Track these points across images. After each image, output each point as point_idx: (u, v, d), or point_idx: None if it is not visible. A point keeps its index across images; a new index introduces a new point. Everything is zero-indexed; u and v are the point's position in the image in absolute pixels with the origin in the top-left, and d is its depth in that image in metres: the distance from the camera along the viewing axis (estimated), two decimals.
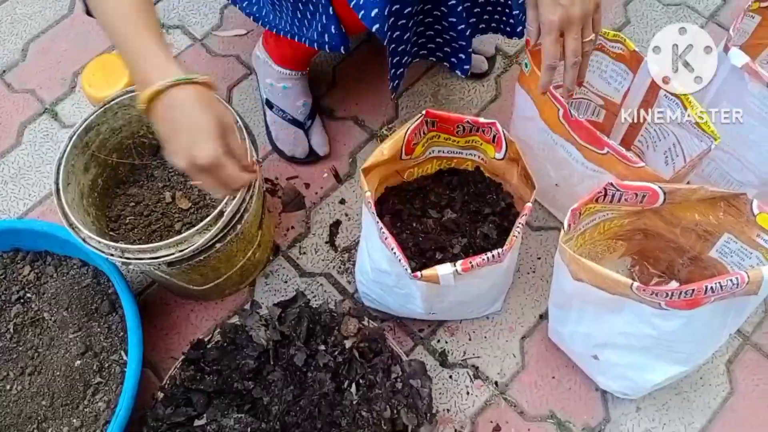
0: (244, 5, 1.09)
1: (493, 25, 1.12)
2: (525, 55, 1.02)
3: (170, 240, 0.93)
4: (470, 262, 0.88)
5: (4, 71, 1.43)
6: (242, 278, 1.18)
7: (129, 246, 0.94)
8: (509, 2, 1.04)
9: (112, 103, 1.04)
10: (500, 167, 1.08)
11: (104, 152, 1.09)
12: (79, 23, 1.48)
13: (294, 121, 1.27)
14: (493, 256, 0.89)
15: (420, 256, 1.07)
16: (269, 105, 1.29)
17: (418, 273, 0.90)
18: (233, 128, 0.81)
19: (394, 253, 0.91)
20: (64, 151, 1.00)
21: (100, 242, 0.95)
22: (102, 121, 1.05)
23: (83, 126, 1.03)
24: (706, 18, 1.46)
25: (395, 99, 1.13)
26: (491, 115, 1.33)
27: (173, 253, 0.93)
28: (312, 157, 1.30)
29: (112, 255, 0.95)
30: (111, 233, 1.09)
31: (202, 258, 0.97)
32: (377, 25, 0.89)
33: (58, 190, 0.97)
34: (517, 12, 1.05)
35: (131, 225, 1.11)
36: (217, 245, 0.97)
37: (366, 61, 1.41)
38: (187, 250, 0.93)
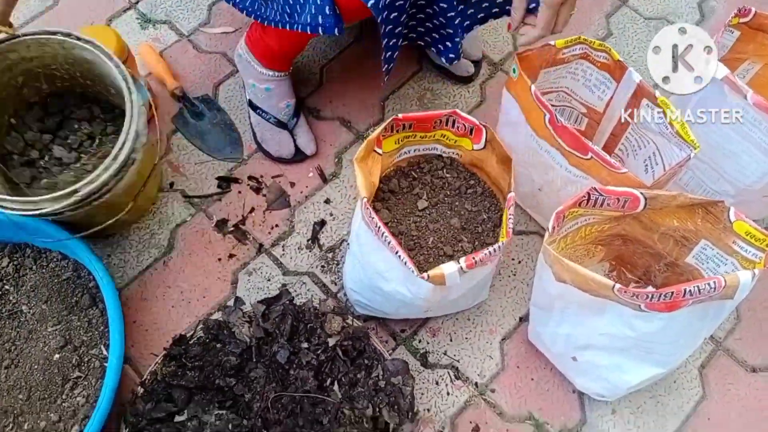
0: None
1: (495, 10, 1.16)
2: (513, 61, 1.04)
3: (20, 198, 0.99)
4: (473, 258, 0.88)
5: None
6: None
7: None
8: None
9: (27, 37, 1.07)
10: (477, 158, 1.09)
11: (8, 75, 1.12)
12: None
13: (279, 123, 1.27)
14: (494, 249, 0.90)
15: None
16: (253, 107, 1.29)
17: (425, 274, 0.88)
18: None
19: (399, 256, 0.89)
20: None
21: None
22: (12, 48, 1.07)
23: None
24: None
25: (386, 83, 1.15)
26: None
27: (16, 209, 0.99)
28: (299, 157, 1.30)
29: None
30: None
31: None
32: (372, 1, 0.92)
33: None
34: None
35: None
36: (67, 213, 1.01)
37: (354, 62, 1.42)
38: (32, 213, 0.99)
